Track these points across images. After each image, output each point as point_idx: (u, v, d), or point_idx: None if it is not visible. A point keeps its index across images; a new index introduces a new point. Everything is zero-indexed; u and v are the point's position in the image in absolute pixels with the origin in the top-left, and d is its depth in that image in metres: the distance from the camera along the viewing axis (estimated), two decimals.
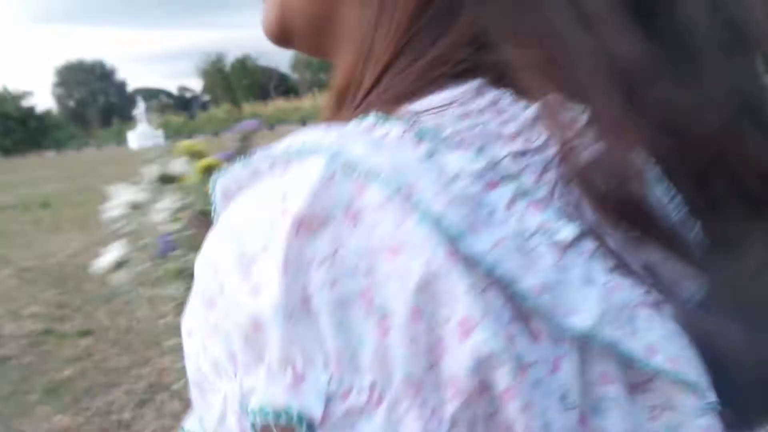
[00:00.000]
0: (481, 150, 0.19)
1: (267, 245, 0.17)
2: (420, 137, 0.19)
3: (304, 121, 32.67)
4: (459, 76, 0.22)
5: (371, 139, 0.18)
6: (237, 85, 50.51)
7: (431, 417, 0.17)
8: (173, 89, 64.85)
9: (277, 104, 42.36)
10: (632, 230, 0.20)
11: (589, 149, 0.20)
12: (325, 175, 0.17)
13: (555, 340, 0.18)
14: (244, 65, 53.14)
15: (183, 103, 57.83)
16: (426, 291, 0.16)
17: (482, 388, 0.16)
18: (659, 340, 0.19)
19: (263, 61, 58.22)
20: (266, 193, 0.19)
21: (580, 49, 0.21)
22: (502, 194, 0.18)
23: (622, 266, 0.19)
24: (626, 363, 0.18)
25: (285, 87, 55.72)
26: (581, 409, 0.18)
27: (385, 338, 0.17)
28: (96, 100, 56.47)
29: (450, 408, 0.17)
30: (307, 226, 0.16)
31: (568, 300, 0.18)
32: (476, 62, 0.22)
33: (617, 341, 0.18)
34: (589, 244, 0.19)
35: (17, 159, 27.81)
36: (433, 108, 0.20)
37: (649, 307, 0.19)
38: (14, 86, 46.11)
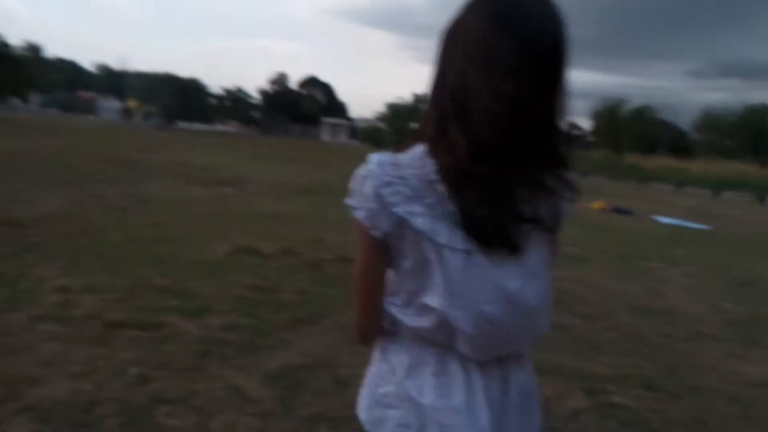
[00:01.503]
0: (405, 169, 0.83)
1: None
2: (394, 162, 0.84)
3: (682, 183, 27.93)
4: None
5: (382, 158, 0.85)
6: (626, 133, 48.28)
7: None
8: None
9: (663, 160, 38.57)
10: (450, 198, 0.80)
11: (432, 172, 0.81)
12: (366, 164, 0.85)
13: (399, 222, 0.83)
14: (641, 114, 50.82)
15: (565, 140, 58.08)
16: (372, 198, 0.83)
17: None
18: (432, 224, 0.81)
19: (666, 115, 54.09)
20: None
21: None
22: (404, 184, 0.83)
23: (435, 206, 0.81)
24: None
25: (678, 144, 50.93)
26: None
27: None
28: None
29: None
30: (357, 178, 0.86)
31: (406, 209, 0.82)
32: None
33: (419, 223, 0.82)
34: (429, 199, 0.81)
35: None
36: (407, 155, 0.85)
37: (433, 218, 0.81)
38: None
